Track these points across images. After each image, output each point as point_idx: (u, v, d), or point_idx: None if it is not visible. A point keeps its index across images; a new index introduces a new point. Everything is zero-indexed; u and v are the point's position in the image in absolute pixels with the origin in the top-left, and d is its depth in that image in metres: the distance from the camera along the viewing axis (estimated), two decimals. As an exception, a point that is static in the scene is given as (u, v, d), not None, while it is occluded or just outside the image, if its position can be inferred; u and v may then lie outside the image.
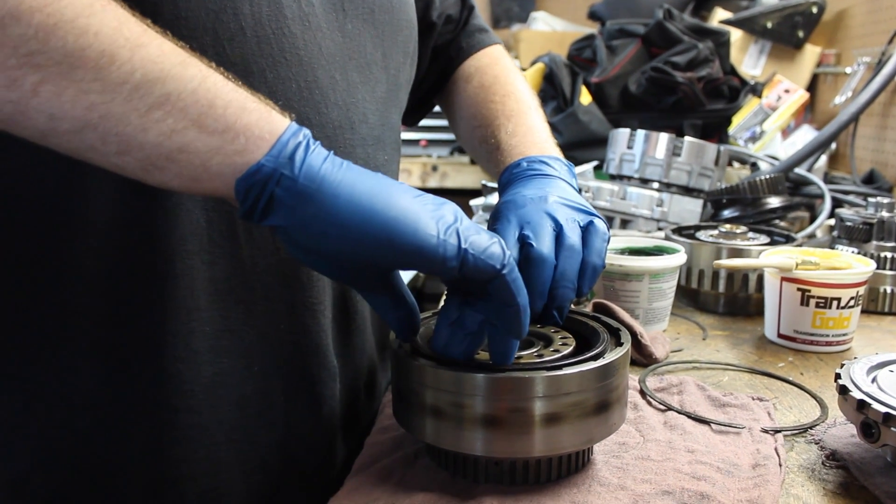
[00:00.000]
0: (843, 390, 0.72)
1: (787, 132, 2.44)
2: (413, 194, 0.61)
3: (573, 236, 0.72)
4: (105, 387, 0.70)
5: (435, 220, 0.60)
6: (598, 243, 0.74)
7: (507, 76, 1.01)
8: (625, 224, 1.53)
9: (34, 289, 0.69)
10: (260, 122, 0.58)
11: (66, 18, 0.52)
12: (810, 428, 0.80)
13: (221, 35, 0.68)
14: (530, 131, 0.91)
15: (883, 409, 0.66)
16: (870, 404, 0.68)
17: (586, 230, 0.74)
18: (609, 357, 0.66)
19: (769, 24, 2.45)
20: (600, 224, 0.76)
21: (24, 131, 0.55)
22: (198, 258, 0.70)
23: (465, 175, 2.91)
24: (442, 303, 0.70)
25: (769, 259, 1.06)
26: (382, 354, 0.96)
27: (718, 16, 2.58)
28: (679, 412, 0.82)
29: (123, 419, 0.71)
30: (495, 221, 0.76)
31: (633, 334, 0.98)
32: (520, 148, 0.88)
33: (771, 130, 2.34)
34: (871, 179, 1.97)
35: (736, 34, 2.47)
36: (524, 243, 0.70)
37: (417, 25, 0.97)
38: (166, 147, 0.56)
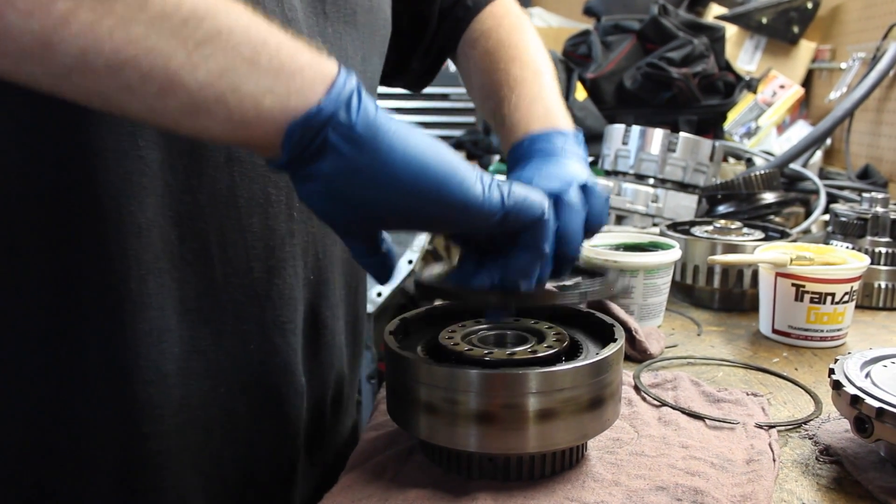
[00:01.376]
0: (836, 385, 0.72)
1: (782, 128, 2.44)
2: (453, 152, 0.61)
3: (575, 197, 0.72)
4: (69, 413, 0.67)
5: (478, 176, 0.59)
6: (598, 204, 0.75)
7: (510, 37, 0.95)
8: (620, 220, 1.53)
9: None
10: (313, 64, 0.55)
11: None
12: (804, 423, 0.81)
13: None
14: (534, 102, 0.87)
15: (876, 404, 0.66)
16: (863, 399, 0.68)
17: (585, 191, 0.73)
18: (603, 353, 0.66)
19: (764, 20, 2.45)
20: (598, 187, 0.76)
21: (40, 69, 0.50)
22: (168, 276, 0.68)
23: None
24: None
25: (764, 254, 1.06)
26: (354, 365, 0.95)
27: (714, 11, 2.58)
28: (673, 408, 0.82)
29: (89, 446, 0.69)
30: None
31: (628, 330, 0.98)
32: (523, 124, 0.84)
33: (766, 126, 2.34)
34: (865, 175, 1.97)
35: (731, 30, 2.47)
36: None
37: None
38: (216, 87, 0.52)
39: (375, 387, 1.68)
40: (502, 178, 0.67)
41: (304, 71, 0.55)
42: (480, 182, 0.59)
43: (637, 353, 0.98)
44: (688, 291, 1.24)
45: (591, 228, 0.73)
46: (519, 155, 0.82)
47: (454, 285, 0.69)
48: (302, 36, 0.73)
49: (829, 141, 2.25)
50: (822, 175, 2.06)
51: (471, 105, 3.46)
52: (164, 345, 0.69)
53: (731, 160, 2.09)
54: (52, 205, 0.64)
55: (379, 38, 0.87)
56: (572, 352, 0.71)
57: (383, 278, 0.67)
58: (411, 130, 0.59)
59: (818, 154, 2.09)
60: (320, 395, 0.86)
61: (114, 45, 0.49)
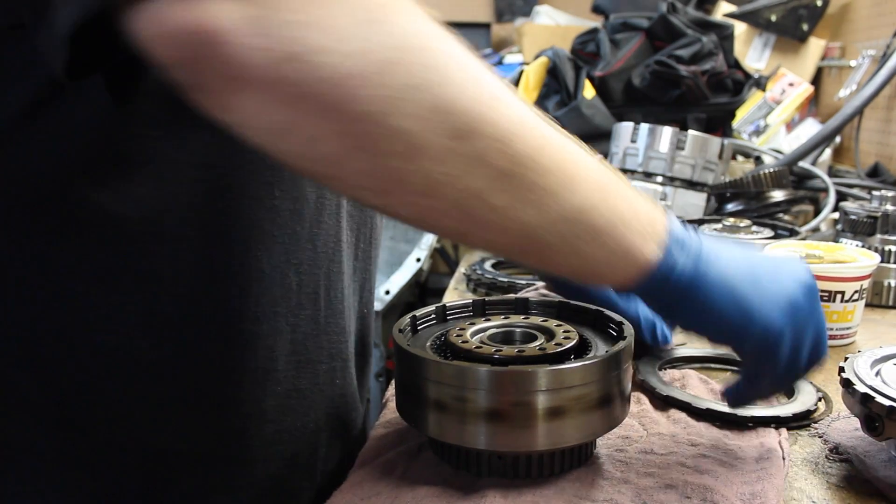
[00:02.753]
0: (846, 384, 0.71)
1: (791, 126, 2.43)
2: (768, 271, 0.65)
3: None
4: (169, 437, 0.69)
5: (781, 309, 0.64)
6: None
7: None
8: (628, 218, 1.53)
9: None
10: (645, 244, 0.59)
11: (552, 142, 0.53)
12: (814, 422, 0.80)
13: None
14: None
15: (887, 403, 0.66)
16: (874, 398, 0.67)
17: None
18: (612, 350, 0.66)
19: (773, 18, 2.45)
20: None
21: (432, 229, 0.59)
22: (283, 320, 0.70)
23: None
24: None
25: (773, 252, 1.06)
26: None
27: (723, 9, 2.57)
28: (682, 405, 0.81)
29: (177, 463, 0.70)
30: None
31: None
32: None
33: (775, 124, 2.33)
34: (875, 173, 1.97)
35: (740, 27, 2.46)
36: None
37: None
38: (573, 264, 0.59)
39: (384, 384, 1.67)
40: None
41: (633, 250, 0.59)
42: (781, 315, 0.64)
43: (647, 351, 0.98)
44: (697, 289, 1.24)
45: None
46: None
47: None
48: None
49: (838, 139, 2.24)
50: (832, 173, 2.05)
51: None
52: (267, 383, 0.71)
53: (740, 158, 2.09)
54: (183, 239, 0.65)
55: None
56: (582, 349, 0.71)
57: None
58: (731, 263, 0.64)
59: (827, 152, 2.08)
60: (365, 413, 0.91)
61: (505, 224, 0.54)
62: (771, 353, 0.64)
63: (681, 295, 0.61)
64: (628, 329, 0.71)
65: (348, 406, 0.81)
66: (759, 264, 0.65)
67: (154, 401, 0.68)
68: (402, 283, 1.93)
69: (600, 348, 0.72)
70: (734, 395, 0.72)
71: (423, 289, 2.33)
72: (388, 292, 1.85)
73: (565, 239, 0.56)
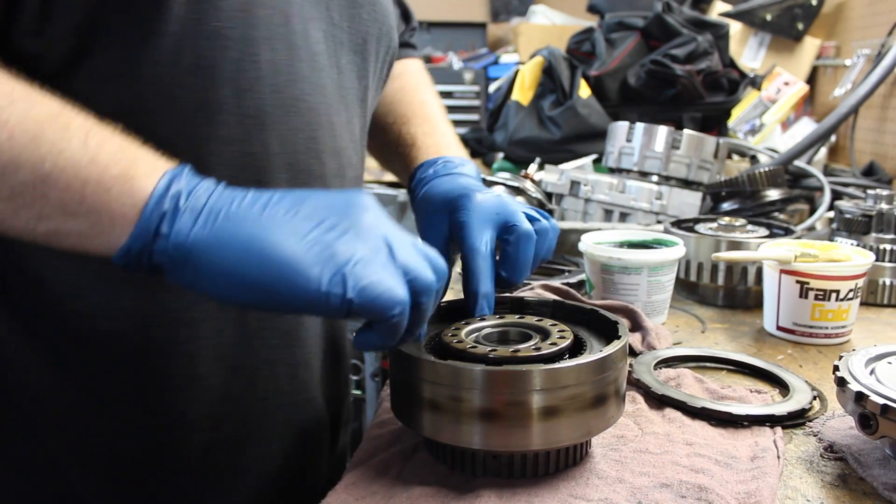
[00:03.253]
0: (841, 382, 0.72)
1: (786, 125, 2.43)
2: (303, 232, 0.57)
3: (543, 220, 0.78)
4: (95, 452, 0.70)
5: (320, 267, 0.56)
6: (555, 238, 0.81)
7: (426, 87, 1.05)
8: (624, 217, 1.53)
9: None
10: (121, 198, 0.55)
11: None
12: (809, 420, 0.80)
13: (241, 85, 0.67)
14: (444, 136, 0.94)
15: (881, 401, 0.66)
16: (868, 396, 0.67)
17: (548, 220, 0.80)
18: (606, 350, 0.66)
19: (768, 17, 2.45)
20: (554, 222, 0.81)
21: None
22: (204, 325, 0.70)
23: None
24: None
25: (768, 251, 1.06)
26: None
27: (718, 8, 2.57)
28: (677, 405, 0.81)
29: (122, 478, 0.71)
30: (458, 212, 0.77)
31: (643, 328, 0.99)
32: (436, 147, 0.91)
33: (770, 123, 2.34)
34: (870, 171, 1.97)
35: (735, 26, 2.46)
36: (510, 226, 0.75)
37: None
38: (40, 230, 0.55)
39: (379, 384, 1.68)
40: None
41: (110, 208, 0.55)
42: (320, 277, 0.55)
43: (645, 349, 0.98)
44: (692, 288, 1.24)
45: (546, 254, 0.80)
46: (438, 171, 0.86)
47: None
48: (322, 67, 0.74)
49: (833, 138, 2.24)
50: (827, 172, 2.06)
51: (476, 103, 3.46)
52: (192, 391, 0.70)
53: (736, 157, 2.09)
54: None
55: (381, 65, 0.89)
56: (576, 349, 0.71)
57: None
58: (238, 231, 0.56)
59: (823, 151, 2.09)
60: (337, 421, 0.89)
61: None
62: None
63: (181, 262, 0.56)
64: (623, 329, 0.71)
65: (307, 413, 0.80)
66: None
67: (72, 416, 0.68)
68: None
69: (595, 348, 0.72)
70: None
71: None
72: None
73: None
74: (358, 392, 1.69)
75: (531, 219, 0.77)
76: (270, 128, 0.69)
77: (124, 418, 0.69)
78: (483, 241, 0.73)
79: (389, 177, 2.85)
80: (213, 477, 0.73)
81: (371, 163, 3.02)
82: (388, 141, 0.98)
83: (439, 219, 0.78)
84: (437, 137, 0.92)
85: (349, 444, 0.99)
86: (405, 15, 1.14)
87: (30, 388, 0.68)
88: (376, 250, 0.58)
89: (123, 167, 0.56)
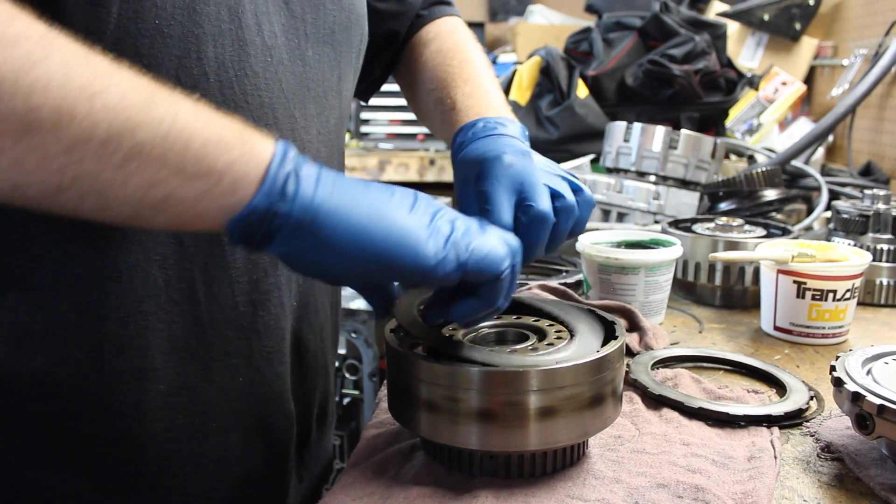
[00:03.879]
0: (837, 382, 0.72)
1: (784, 124, 2.43)
2: (408, 207, 0.60)
3: (569, 196, 0.74)
4: (53, 447, 0.69)
5: (433, 237, 0.59)
6: (586, 212, 0.77)
7: (465, 44, 1.00)
8: (621, 217, 1.53)
9: None
10: (244, 158, 0.55)
11: (8, 78, 0.47)
12: (806, 420, 0.80)
13: (184, 82, 0.65)
14: (487, 95, 0.90)
15: (877, 401, 0.66)
16: (864, 396, 0.68)
17: (577, 193, 0.76)
18: (603, 350, 0.67)
19: (766, 17, 2.45)
20: (588, 192, 0.78)
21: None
22: (154, 318, 0.69)
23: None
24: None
25: (765, 251, 1.06)
26: (334, 376, 0.97)
27: (716, 8, 2.57)
28: (674, 405, 0.82)
29: (81, 471, 0.70)
30: (483, 180, 0.74)
31: (640, 328, 0.99)
32: (477, 109, 0.86)
33: (768, 123, 2.34)
34: (867, 171, 1.97)
35: (733, 26, 2.46)
36: (525, 205, 0.71)
37: (393, 2, 0.98)
38: (150, 198, 0.53)
39: (377, 384, 1.68)
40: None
41: (233, 168, 0.55)
42: (435, 243, 0.59)
43: (642, 349, 0.98)
44: (689, 288, 1.24)
45: (575, 231, 0.76)
46: (475, 134, 0.82)
47: (408, 319, 0.70)
48: (282, 61, 0.73)
49: (831, 138, 2.24)
50: (824, 172, 2.06)
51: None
52: (146, 383, 0.69)
53: (733, 157, 2.09)
54: (38, 244, 0.65)
55: (355, 54, 0.88)
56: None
57: (379, 313, 0.70)
58: (357, 198, 0.58)
59: (820, 151, 2.09)
60: (307, 415, 0.87)
61: (42, 177, 0.50)
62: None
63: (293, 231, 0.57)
64: (620, 329, 0.71)
65: (267, 406, 0.78)
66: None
67: (23, 402, 0.67)
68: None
69: (592, 348, 0.72)
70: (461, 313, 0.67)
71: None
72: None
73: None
74: (356, 392, 1.69)
75: (555, 194, 0.73)
76: None
77: (77, 406, 0.68)
78: (504, 216, 0.71)
79: (386, 177, 2.85)
80: (171, 465, 0.72)
81: (370, 162, 2.97)
82: (431, 109, 0.95)
83: (469, 189, 0.76)
84: (478, 98, 0.88)
85: (347, 443, 0.98)
86: None
87: None
88: (468, 222, 0.62)
89: (238, 129, 0.56)
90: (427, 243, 0.59)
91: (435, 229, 0.60)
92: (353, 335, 1.63)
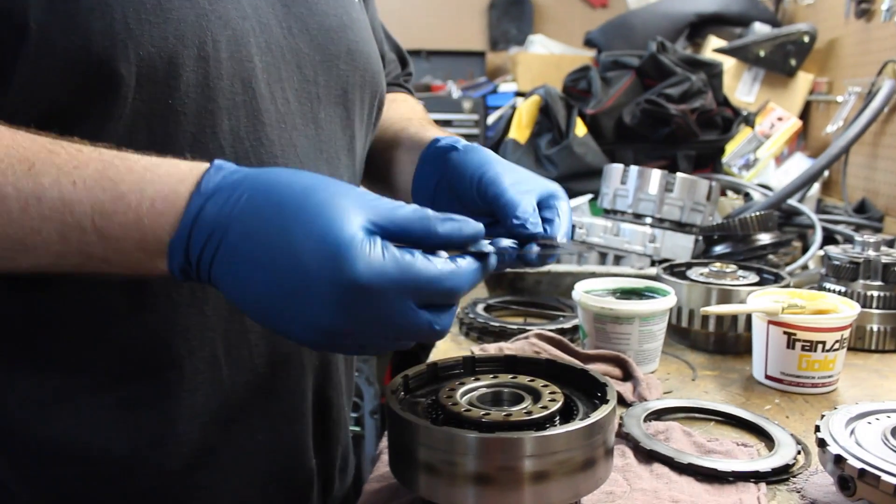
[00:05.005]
0: (821, 443, 0.74)
1: (780, 159, 2.47)
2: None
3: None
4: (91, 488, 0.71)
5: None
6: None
7: (421, 111, 1.08)
8: (618, 260, 1.56)
9: None
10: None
11: None
12: (793, 476, 0.83)
13: (200, 157, 0.66)
14: (442, 132, 0.95)
15: (858, 465, 0.69)
16: (846, 460, 0.70)
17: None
18: (595, 416, 0.69)
19: (762, 53, 2.49)
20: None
21: None
22: (177, 386, 0.72)
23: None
24: None
25: (756, 303, 1.09)
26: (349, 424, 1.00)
27: (712, 43, 2.62)
28: (665, 460, 0.84)
29: None
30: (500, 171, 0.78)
31: (633, 378, 1.02)
32: (432, 134, 0.91)
33: (764, 158, 2.37)
34: (862, 208, 2.00)
35: (729, 62, 2.51)
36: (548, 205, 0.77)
37: None
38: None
39: (378, 421, 1.70)
40: None
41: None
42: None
43: (636, 400, 1.01)
44: (684, 334, 1.27)
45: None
46: (451, 146, 0.85)
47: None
48: (295, 126, 0.76)
49: (826, 173, 2.28)
50: (820, 208, 2.09)
51: (475, 131, 3.50)
52: (169, 447, 0.72)
53: (730, 194, 2.12)
54: (60, 309, 0.68)
55: (367, 111, 0.90)
56: (566, 411, 0.74)
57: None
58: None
59: (816, 186, 2.12)
60: (329, 469, 0.90)
61: None
62: None
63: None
64: (612, 392, 0.74)
65: (287, 462, 0.81)
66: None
67: (51, 475, 0.70)
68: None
69: (584, 410, 0.74)
70: None
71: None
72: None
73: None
74: (357, 429, 1.71)
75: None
76: None
77: (102, 469, 0.71)
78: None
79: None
80: None
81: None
82: (390, 140, 0.98)
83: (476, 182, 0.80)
84: (434, 131, 0.93)
85: (351, 485, 1.01)
86: (402, 61, 1.18)
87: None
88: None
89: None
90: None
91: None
92: (356, 374, 1.66)
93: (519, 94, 3.47)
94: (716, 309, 1.10)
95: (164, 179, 0.58)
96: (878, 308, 1.25)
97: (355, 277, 0.54)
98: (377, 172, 0.99)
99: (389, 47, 1.13)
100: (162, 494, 0.73)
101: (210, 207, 0.56)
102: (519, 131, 2.06)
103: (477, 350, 1.14)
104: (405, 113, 1.04)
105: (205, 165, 0.59)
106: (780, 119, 2.44)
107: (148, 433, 0.71)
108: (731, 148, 2.33)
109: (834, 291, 1.25)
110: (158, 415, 0.71)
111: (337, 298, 0.55)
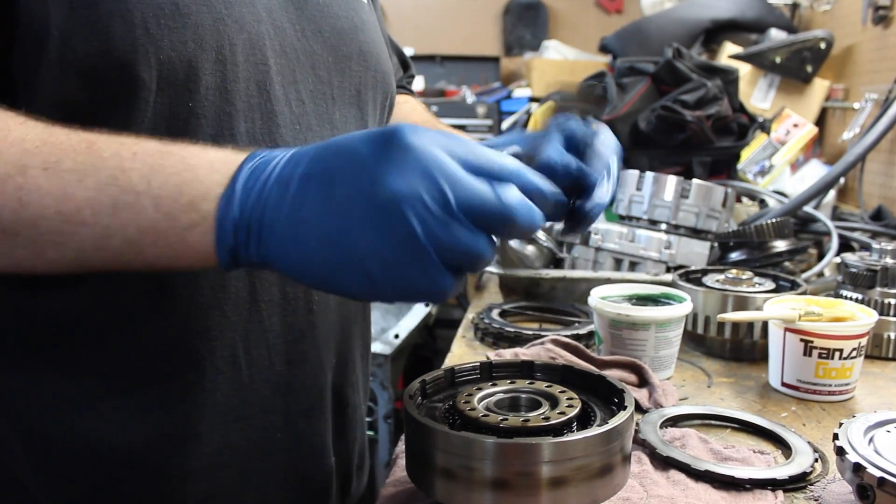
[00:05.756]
0: (840, 451, 0.74)
1: (795, 166, 2.46)
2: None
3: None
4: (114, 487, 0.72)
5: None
6: None
7: (424, 112, 1.13)
8: (634, 266, 1.56)
9: None
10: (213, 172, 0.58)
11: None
12: (810, 484, 0.83)
13: None
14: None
15: (878, 474, 0.69)
16: (865, 468, 0.70)
17: None
18: (613, 422, 0.69)
19: (778, 59, 2.48)
20: None
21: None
22: (198, 387, 0.72)
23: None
24: None
25: (773, 310, 1.09)
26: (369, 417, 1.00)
27: (728, 50, 2.61)
28: (681, 466, 0.84)
29: None
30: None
31: (650, 383, 1.02)
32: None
33: (780, 164, 2.36)
34: (878, 216, 1.99)
35: (745, 68, 2.50)
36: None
37: None
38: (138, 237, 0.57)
39: (392, 426, 1.71)
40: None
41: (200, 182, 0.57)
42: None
43: (652, 406, 1.00)
44: (699, 341, 1.27)
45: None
46: None
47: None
48: (311, 127, 0.77)
49: (842, 180, 2.27)
50: (836, 214, 2.08)
51: (489, 136, 3.50)
52: (190, 446, 0.73)
53: (746, 200, 2.12)
54: (73, 320, 0.69)
55: (380, 111, 0.91)
56: (584, 417, 0.74)
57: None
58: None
59: (832, 193, 2.11)
60: (347, 467, 0.90)
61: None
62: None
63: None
64: (629, 398, 0.74)
65: (306, 460, 0.81)
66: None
67: (73, 475, 0.71)
68: (411, 327, 1.96)
69: (602, 415, 0.75)
70: None
71: (431, 331, 2.36)
72: (397, 336, 1.88)
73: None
74: (371, 433, 1.72)
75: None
76: None
77: (124, 470, 0.71)
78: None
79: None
80: None
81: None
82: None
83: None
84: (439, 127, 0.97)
85: (366, 486, 1.01)
86: (404, 64, 1.21)
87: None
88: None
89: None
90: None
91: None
92: (370, 378, 1.67)
93: (533, 99, 3.47)
94: (733, 316, 1.10)
95: (223, 150, 0.59)
96: (895, 316, 1.25)
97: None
98: None
99: (392, 51, 1.14)
100: (183, 494, 0.73)
101: (265, 162, 0.57)
102: (534, 137, 2.06)
103: (493, 355, 1.14)
104: (409, 114, 1.09)
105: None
106: (795, 126, 2.43)
107: (169, 433, 0.72)
108: (747, 154, 2.32)
109: (851, 299, 1.25)
110: (179, 415, 0.72)
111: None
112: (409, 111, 1.11)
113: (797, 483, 0.82)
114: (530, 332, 1.25)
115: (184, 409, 0.72)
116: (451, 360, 1.22)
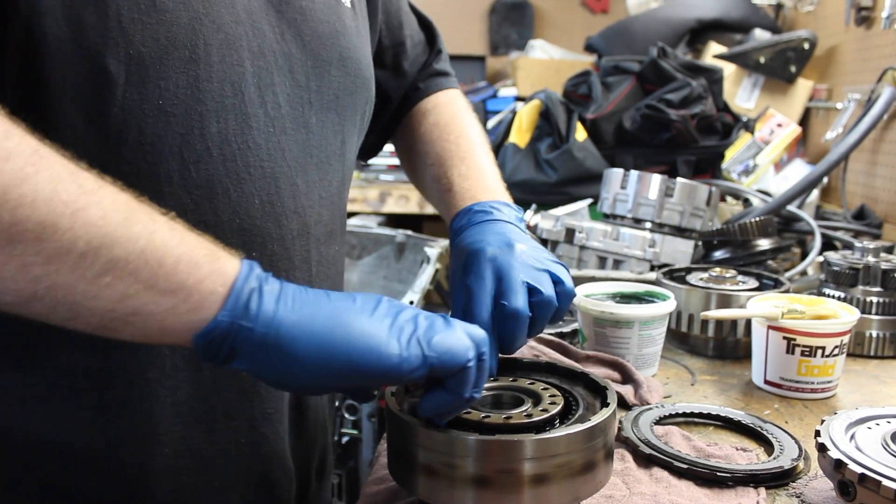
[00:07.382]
0: (821, 448, 0.74)
1: (779, 166, 2.47)
2: (369, 311, 0.63)
3: (548, 291, 0.76)
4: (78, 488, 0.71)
5: (395, 337, 0.62)
6: (565, 304, 0.78)
7: (462, 117, 1.04)
8: (618, 264, 1.56)
9: None
10: (212, 276, 0.59)
11: None
12: (792, 480, 0.83)
13: (187, 158, 0.69)
14: (482, 175, 0.94)
15: (859, 470, 0.69)
16: (847, 465, 0.70)
17: (558, 285, 0.78)
18: (595, 419, 0.69)
19: (762, 59, 2.49)
20: (569, 283, 0.79)
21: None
22: (158, 384, 0.72)
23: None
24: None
25: (756, 308, 1.09)
26: (333, 428, 1.00)
27: (713, 49, 2.62)
28: (664, 464, 0.84)
29: None
30: (466, 274, 0.77)
31: (634, 381, 1.02)
32: (472, 192, 0.90)
33: (764, 164, 2.37)
34: (861, 215, 2.00)
35: (729, 68, 2.51)
36: (500, 303, 0.74)
37: (390, 72, 1.01)
38: (119, 311, 0.56)
39: (375, 424, 1.70)
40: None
41: (202, 286, 0.58)
42: (398, 343, 0.62)
43: (637, 402, 1.00)
44: (683, 339, 1.27)
45: (554, 319, 0.78)
46: (469, 221, 0.86)
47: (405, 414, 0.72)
48: (285, 131, 0.76)
49: (825, 179, 2.28)
50: (819, 214, 2.09)
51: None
52: (150, 446, 0.72)
53: (730, 199, 2.12)
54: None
55: (359, 116, 0.90)
56: (566, 414, 0.74)
57: (363, 402, 0.72)
58: (318, 307, 0.61)
59: (815, 192, 2.12)
60: (306, 470, 0.90)
61: (17, 286, 0.54)
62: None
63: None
64: (612, 395, 0.74)
65: (268, 464, 0.81)
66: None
67: (33, 473, 0.70)
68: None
69: (584, 412, 0.74)
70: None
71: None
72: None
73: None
74: (354, 432, 1.71)
75: (533, 289, 0.75)
76: (222, 196, 0.71)
77: (83, 468, 0.71)
78: (482, 312, 0.74)
79: (387, 209, 2.88)
80: None
81: (371, 194, 2.97)
82: (428, 184, 0.99)
83: (458, 280, 0.79)
84: (474, 179, 0.92)
85: (345, 482, 1.01)
86: (430, 39, 1.12)
87: None
88: (430, 318, 0.65)
89: (209, 249, 0.60)
90: (389, 343, 0.61)
91: (397, 329, 0.62)
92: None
93: (519, 98, 3.47)
94: (716, 313, 1.10)
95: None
96: (877, 314, 1.25)
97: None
98: (431, 199, 1.01)
99: (413, 30, 1.09)
100: (143, 495, 0.73)
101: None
102: (519, 135, 2.06)
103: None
104: (446, 144, 0.99)
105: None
106: (779, 125, 2.44)
107: (129, 432, 0.71)
108: (731, 154, 2.33)
109: (833, 297, 1.25)
110: (139, 414, 0.71)
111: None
112: (445, 123, 1.02)
113: (779, 480, 0.83)
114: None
115: (144, 408, 0.71)
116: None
